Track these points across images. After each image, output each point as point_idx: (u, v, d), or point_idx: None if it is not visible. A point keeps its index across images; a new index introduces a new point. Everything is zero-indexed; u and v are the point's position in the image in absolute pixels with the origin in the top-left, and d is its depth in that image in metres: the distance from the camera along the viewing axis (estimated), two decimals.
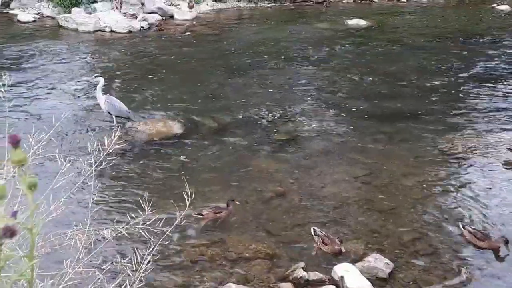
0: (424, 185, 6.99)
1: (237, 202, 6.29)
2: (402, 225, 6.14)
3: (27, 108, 9.09)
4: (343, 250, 5.57)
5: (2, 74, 3.08)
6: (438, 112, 9.30)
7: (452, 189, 6.95)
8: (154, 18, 15.44)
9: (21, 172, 1.21)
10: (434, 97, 9.99)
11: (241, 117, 9.00)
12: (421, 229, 6.07)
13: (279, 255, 5.60)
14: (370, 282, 5.10)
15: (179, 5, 16.51)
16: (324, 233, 5.71)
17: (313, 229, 5.74)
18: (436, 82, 10.72)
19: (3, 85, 2.89)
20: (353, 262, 5.40)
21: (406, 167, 7.43)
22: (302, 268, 5.28)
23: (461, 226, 5.90)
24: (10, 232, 1.02)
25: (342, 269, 5.23)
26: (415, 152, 7.82)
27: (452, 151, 7.83)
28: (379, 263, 5.35)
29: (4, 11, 14.98)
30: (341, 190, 6.87)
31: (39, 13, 15.60)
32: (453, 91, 10.26)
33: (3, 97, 2.81)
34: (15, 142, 1.21)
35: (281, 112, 9.25)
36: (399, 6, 18.27)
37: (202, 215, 6.05)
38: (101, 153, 2.66)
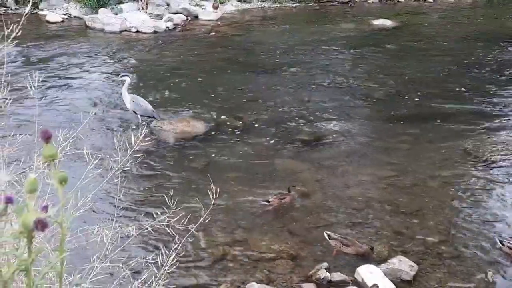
0: (451, 187, 6.89)
1: (298, 188, 6.62)
2: (427, 227, 6.06)
3: (55, 106, 9.25)
4: (368, 249, 5.50)
5: (33, 73, 3.14)
6: (466, 113, 9.15)
7: (479, 192, 6.83)
8: (179, 18, 15.54)
9: (52, 167, 1.23)
10: (462, 98, 9.83)
11: (265, 117, 9.00)
12: (446, 231, 5.98)
13: (302, 256, 5.59)
14: (394, 284, 5.05)
15: (204, 5, 16.60)
16: (339, 235, 5.66)
17: (326, 233, 5.67)
18: (463, 83, 10.55)
19: (33, 86, 2.95)
20: (377, 263, 5.36)
21: (432, 169, 7.33)
22: (325, 268, 5.26)
23: (498, 241, 5.61)
24: (41, 225, 1.04)
25: (365, 271, 5.19)
26: (442, 154, 7.72)
27: (480, 153, 7.70)
28: (404, 265, 5.29)
29: (34, 12, 15.26)
30: (365, 191, 6.82)
31: (67, 13, 15.85)
32: (482, 92, 10.09)
33: (33, 94, 2.87)
34: (47, 138, 1.23)
35: (305, 112, 9.23)
36: (425, 6, 18.03)
37: (268, 201, 6.34)
38: (128, 151, 2.69)
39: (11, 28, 2.48)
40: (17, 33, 2.44)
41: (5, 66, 2.63)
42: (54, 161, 1.23)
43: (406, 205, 6.53)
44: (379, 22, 15.38)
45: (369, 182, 7.04)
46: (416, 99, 9.81)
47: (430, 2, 18.47)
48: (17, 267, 1.14)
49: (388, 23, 15.28)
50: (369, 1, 18.27)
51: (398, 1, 18.34)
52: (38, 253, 1.12)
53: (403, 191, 6.86)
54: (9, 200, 1.16)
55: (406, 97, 9.93)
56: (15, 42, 2.53)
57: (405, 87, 10.47)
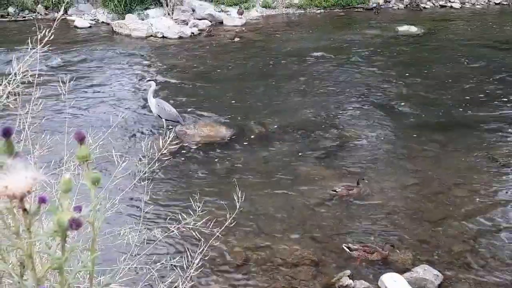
0: (477, 196, 6.78)
1: (366, 180, 6.83)
2: (452, 236, 5.98)
3: (83, 109, 9.41)
4: (390, 248, 5.56)
5: (62, 76, 3.21)
6: (494, 121, 9.01)
7: (506, 200, 6.71)
8: (204, 24, 15.67)
9: (85, 168, 1.26)
10: (489, 105, 9.68)
11: (288, 123, 9.00)
12: (472, 241, 5.89)
13: (325, 262, 5.56)
14: None
15: (229, 11, 16.70)
16: (359, 244, 5.62)
17: (345, 246, 5.61)
18: (491, 90, 10.39)
19: (63, 89, 3.01)
20: (401, 272, 5.30)
21: (458, 177, 7.22)
22: (348, 276, 5.22)
23: None
24: (76, 224, 1.07)
25: (389, 279, 5.14)
26: (468, 162, 7.61)
27: (507, 162, 7.57)
28: (428, 274, 5.22)
29: (62, 18, 15.54)
30: (390, 199, 6.76)
31: (94, 19, 16.13)
32: (510, 100, 9.91)
33: (64, 98, 2.93)
34: (81, 139, 1.25)
35: (328, 118, 9.20)
36: (452, 12, 17.82)
37: (336, 191, 6.58)
38: (156, 154, 2.72)
39: (43, 32, 2.54)
40: (49, 37, 2.50)
41: (37, 69, 2.70)
42: (87, 162, 1.26)
43: (431, 213, 6.45)
44: (404, 28, 15.25)
45: (393, 190, 6.97)
46: (442, 106, 9.69)
47: (457, 8, 18.26)
48: (50, 265, 1.17)
49: (413, 29, 15.14)
50: (395, 7, 18.15)
51: (424, 8, 18.17)
52: (71, 251, 1.14)
53: (428, 199, 6.77)
54: (42, 200, 1.19)
55: (432, 104, 9.82)
56: (47, 46, 2.60)
57: (431, 94, 10.35)
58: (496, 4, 18.50)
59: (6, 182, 1.04)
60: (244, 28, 15.65)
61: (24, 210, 1.13)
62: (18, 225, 1.18)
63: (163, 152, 2.77)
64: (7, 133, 1.12)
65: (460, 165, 7.55)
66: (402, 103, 9.88)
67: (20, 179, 1.06)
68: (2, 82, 2.52)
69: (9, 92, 2.47)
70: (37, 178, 1.08)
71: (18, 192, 1.06)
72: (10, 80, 2.50)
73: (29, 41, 2.56)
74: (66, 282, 1.18)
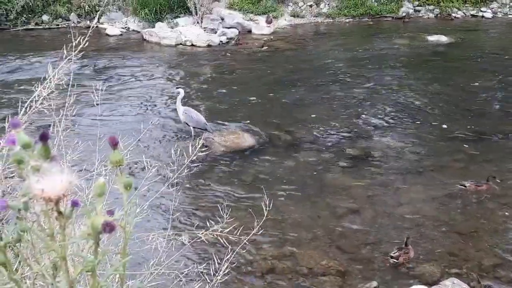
0: (508, 209, 6.63)
1: (498, 180, 6.86)
2: (482, 249, 5.85)
3: (114, 115, 9.56)
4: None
5: (95, 83, 3.27)
6: None
7: None
8: (233, 32, 15.78)
9: (118, 172, 1.28)
10: None
11: (315, 131, 8.97)
12: (503, 254, 5.75)
13: (351, 273, 5.51)
14: None
15: (257, 20, 16.79)
16: (399, 251, 5.56)
17: (391, 257, 5.57)
18: None
19: (96, 95, 3.07)
20: (429, 284, 5.21)
21: (488, 189, 7.07)
22: (375, 287, 5.16)
23: None
24: (109, 228, 1.08)
25: None
26: (499, 174, 7.43)
27: None
28: None
29: (94, 26, 15.87)
30: (418, 210, 6.66)
31: (125, 27, 16.41)
32: None
33: (96, 103, 2.98)
34: (114, 144, 1.27)
35: (356, 127, 9.14)
36: (483, 22, 17.54)
37: (465, 186, 6.71)
38: (186, 160, 2.75)
39: (78, 40, 2.61)
40: (84, 45, 2.56)
41: (71, 75, 2.76)
42: (120, 167, 1.28)
43: (460, 225, 6.33)
44: (434, 38, 15.08)
45: (421, 201, 6.87)
46: (472, 116, 9.53)
47: (488, 18, 17.97)
48: (83, 267, 1.19)
49: (443, 39, 14.96)
50: (424, 17, 17.97)
51: (455, 17, 17.93)
52: (104, 254, 1.16)
53: (457, 211, 6.66)
54: (75, 204, 1.21)
55: (461, 114, 9.67)
56: (81, 53, 2.66)
57: (461, 104, 10.19)
58: None
59: (42, 185, 1.07)
60: (272, 37, 15.70)
61: (59, 213, 1.15)
62: (53, 228, 1.21)
63: (194, 158, 2.80)
64: (44, 137, 1.15)
65: (490, 175, 7.39)
66: (431, 113, 9.75)
67: (55, 182, 1.08)
68: (37, 87, 2.59)
69: (44, 97, 2.53)
70: (72, 181, 1.10)
71: (53, 195, 1.08)
72: (45, 86, 2.56)
73: (64, 48, 2.62)
74: (98, 285, 1.20)
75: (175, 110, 9.00)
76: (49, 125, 2.78)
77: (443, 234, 6.16)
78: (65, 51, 2.64)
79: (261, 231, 3.27)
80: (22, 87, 10.49)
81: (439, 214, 6.57)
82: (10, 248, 1.22)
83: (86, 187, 2.36)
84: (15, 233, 1.21)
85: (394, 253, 5.60)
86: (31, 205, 1.20)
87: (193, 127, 8.63)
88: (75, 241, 1.15)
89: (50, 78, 2.55)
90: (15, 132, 1.14)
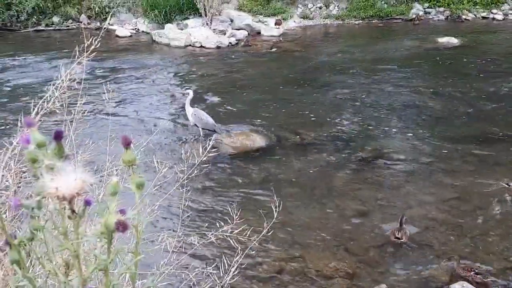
0: None
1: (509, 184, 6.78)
2: (493, 253, 5.80)
3: (124, 116, 9.59)
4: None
5: (105, 84, 3.29)
6: None
7: None
8: (242, 34, 15.81)
9: (130, 172, 1.28)
10: None
11: (324, 133, 8.95)
12: None
13: (360, 275, 5.49)
14: None
15: (266, 21, 16.80)
16: (398, 231, 5.94)
17: (395, 237, 5.92)
18: None
19: (107, 96, 3.08)
20: None
21: (499, 192, 7.02)
22: None
23: None
24: (122, 227, 1.09)
25: None
26: (510, 177, 7.38)
27: None
28: None
29: (104, 27, 15.96)
30: (427, 213, 6.62)
31: (135, 28, 16.49)
32: None
33: (107, 104, 3.00)
34: (127, 144, 1.28)
35: (365, 129, 9.11)
36: (494, 24, 17.44)
37: (509, 185, 6.60)
38: (196, 161, 2.76)
39: (90, 41, 2.62)
40: (96, 46, 2.58)
41: (83, 76, 2.78)
42: (133, 167, 1.29)
43: (470, 229, 6.28)
44: (444, 40, 15.01)
45: (431, 204, 6.83)
46: (483, 119, 9.47)
47: (499, 20, 17.87)
48: (96, 266, 1.19)
49: (454, 41, 14.89)
50: (435, 19, 17.90)
51: (466, 19, 17.84)
52: (117, 253, 1.17)
53: (467, 215, 6.61)
54: (88, 203, 1.22)
55: (472, 117, 9.61)
56: (93, 54, 2.68)
57: (471, 106, 10.13)
58: None
59: (57, 184, 1.07)
60: (281, 39, 15.70)
61: (73, 211, 1.16)
62: (66, 226, 1.21)
63: (203, 159, 2.80)
64: (58, 136, 1.16)
65: (502, 180, 7.34)
66: (441, 116, 9.71)
67: (69, 181, 1.09)
68: (49, 88, 2.61)
69: (55, 98, 2.55)
70: (86, 180, 1.11)
71: (67, 194, 1.09)
72: (57, 86, 2.58)
73: (76, 49, 2.65)
74: (110, 284, 1.20)
75: (184, 110, 9.02)
76: (61, 125, 2.80)
77: (453, 237, 6.12)
78: (77, 52, 2.66)
79: (269, 233, 3.27)
80: (33, 88, 10.57)
81: (448, 217, 6.53)
82: (22, 246, 1.23)
83: (97, 187, 2.37)
84: (28, 232, 1.22)
85: (397, 233, 5.97)
86: (44, 203, 1.21)
87: (202, 128, 8.65)
88: (88, 240, 1.15)
89: (62, 79, 2.57)
90: (30, 131, 1.15)
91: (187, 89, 9.09)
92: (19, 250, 1.19)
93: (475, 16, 17.95)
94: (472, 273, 5.31)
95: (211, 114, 9.07)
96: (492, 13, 18.10)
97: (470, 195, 7.00)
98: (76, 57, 2.69)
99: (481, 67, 12.66)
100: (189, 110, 8.71)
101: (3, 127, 8.64)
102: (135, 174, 1.28)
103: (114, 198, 1.19)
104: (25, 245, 1.26)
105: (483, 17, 17.90)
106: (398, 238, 5.91)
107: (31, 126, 1.14)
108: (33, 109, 2.55)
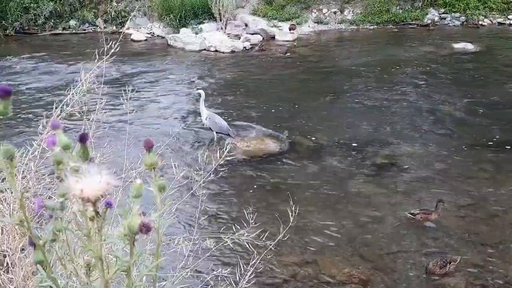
0: None
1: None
2: (508, 261, 5.74)
3: (141, 119, 9.64)
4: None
5: (123, 87, 3.32)
6: None
7: None
8: (256, 38, 15.83)
9: (152, 175, 1.30)
10: None
11: (338, 139, 8.93)
12: None
13: (374, 282, 5.46)
14: None
15: (281, 26, 16.81)
16: (419, 210, 6.38)
17: (409, 213, 6.47)
18: None
19: (125, 99, 3.11)
20: None
21: None
22: None
23: None
24: (146, 228, 1.10)
25: None
26: None
27: None
28: None
29: (120, 31, 16.10)
30: (442, 220, 6.56)
31: (150, 32, 16.60)
32: None
33: (126, 108, 3.03)
34: (149, 147, 1.30)
35: (380, 135, 9.07)
36: (510, 30, 17.28)
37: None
38: (213, 164, 2.77)
39: (110, 44, 2.66)
40: (115, 49, 2.61)
41: (103, 80, 2.81)
42: (155, 169, 1.31)
43: (485, 236, 6.22)
44: (460, 45, 14.90)
45: (446, 210, 6.77)
46: (498, 125, 9.38)
47: None
48: (119, 267, 1.21)
49: (469, 46, 14.77)
50: (450, 24, 17.77)
51: (482, 25, 17.70)
52: (140, 255, 1.18)
53: (482, 222, 6.55)
54: (108, 205, 1.23)
55: (487, 123, 9.52)
56: (112, 58, 2.71)
57: (486, 112, 10.04)
58: None
59: (81, 186, 1.09)
60: (295, 43, 15.71)
61: (97, 213, 1.18)
62: (90, 228, 1.23)
63: (220, 163, 2.82)
64: (83, 139, 1.18)
65: None
66: (456, 122, 9.64)
67: (94, 183, 1.10)
68: (69, 91, 2.64)
69: (75, 101, 2.59)
70: (110, 182, 1.12)
71: (92, 196, 1.10)
72: (77, 90, 2.61)
73: (96, 52, 2.68)
74: (132, 285, 1.22)
75: (198, 113, 9.06)
76: (81, 128, 2.83)
77: (468, 245, 6.07)
78: (97, 55, 2.70)
79: (284, 237, 3.27)
80: (52, 91, 10.69)
81: (464, 224, 6.48)
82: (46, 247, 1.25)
83: (116, 190, 2.39)
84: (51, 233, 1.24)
85: (415, 210, 6.33)
86: (68, 205, 1.23)
87: (216, 132, 8.68)
88: (111, 241, 1.17)
89: (82, 82, 2.60)
90: (55, 133, 1.17)
91: (198, 89, 9.14)
92: (43, 251, 1.20)
93: (491, 22, 17.79)
94: None
95: (225, 118, 9.10)
96: (508, 19, 17.92)
97: (485, 202, 6.93)
98: (96, 60, 2.72)
99: (497, 74, 12.55)
100: (204, 113, 8.74)
101: (22, 129, 8.74)
102: (157, 177, 1.30)
103: (137, 200, 1.20)
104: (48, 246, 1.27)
105: (499, 23, 17.74)
106: (411, 214, 6.44)
107: (57, 128, 1.16)
108: (54, 111, 2.58)
